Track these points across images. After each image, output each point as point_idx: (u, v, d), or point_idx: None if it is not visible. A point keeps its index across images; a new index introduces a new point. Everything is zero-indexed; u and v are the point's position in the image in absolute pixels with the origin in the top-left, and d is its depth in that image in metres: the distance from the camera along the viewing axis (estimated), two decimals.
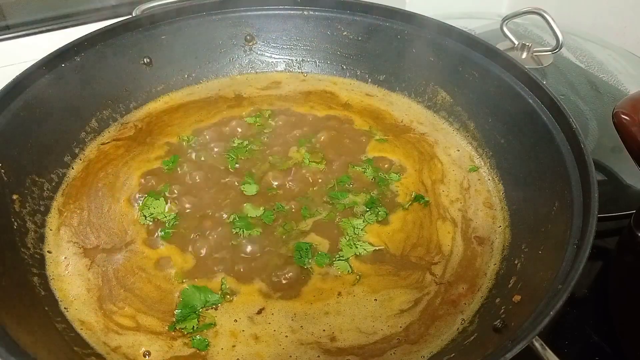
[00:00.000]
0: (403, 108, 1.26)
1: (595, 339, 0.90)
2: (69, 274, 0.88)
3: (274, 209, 0.98)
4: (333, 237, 0.94)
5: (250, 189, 1.01)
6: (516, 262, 0.88)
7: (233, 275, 0.88)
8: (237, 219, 0.96)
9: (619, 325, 0.91)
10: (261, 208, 0.98)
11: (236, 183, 1.03)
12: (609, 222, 1.05)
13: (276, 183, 1.04)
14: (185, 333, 0.80)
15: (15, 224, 0.89)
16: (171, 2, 1.26)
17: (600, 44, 1.53)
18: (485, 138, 1.12)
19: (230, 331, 0.81)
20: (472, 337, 0.79)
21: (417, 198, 1.02)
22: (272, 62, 1.36)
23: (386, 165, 1.09)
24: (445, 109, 1.21)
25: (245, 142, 1.13)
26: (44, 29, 1.44)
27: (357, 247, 0.92)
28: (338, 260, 0.90)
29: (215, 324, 0.81)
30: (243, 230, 0.94)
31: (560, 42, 1.27)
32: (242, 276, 0.88)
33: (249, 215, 0.97)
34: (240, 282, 0.87)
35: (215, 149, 1.11)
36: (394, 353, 0.79)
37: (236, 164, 1.08)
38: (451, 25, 1.16)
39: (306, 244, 0.92)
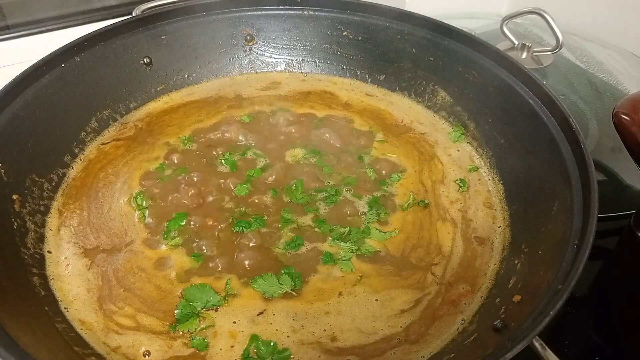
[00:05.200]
0: (403, 108, 1.26)
1: (595, 339, 0.90)
2: (69, 274, 0.88)
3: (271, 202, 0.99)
4: (337, 235, 0.94)
5: (242, 190, 1.01)
6: (516, 262, 0.88)
7: (237, 275, 0.88)
8: (238, 217, 0.96)
9: (619, 325, 0.91)
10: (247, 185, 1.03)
11: (233, 185, 1.03)
12: (609, 222, 1.05)
13: (273, 177, 1.04)
14: (186, 334, 0.80)
15: (15, 224, 0.89)
16: (171, 2, 1.26)
17: (600, 44, 1.53)
18: (485, 138, 1.12)
19: (229, 332, 0.81)
20: (472, 337, 0.79)
21: (418, 202, 1.01)
22: (272, 62, 1.36)
23: (386, 166, 1.09)
24: (445, 109, 1.21)
25: (245, 141, 1.13)
26: (44, 29, 1.44)
27: (359, 248, 0.92)
28: (341, 260, 0.90)
29: (214, 325, 0.81)
30: (243, 229, 0.94)
31: (560, 42, 1.27)
32: (244, 275, 0.88)
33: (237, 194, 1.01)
34: (243, 284, 0.87)
35: (214, 149, 1.12)
36: (394, 353, 0.79)
37: (235, 165, 1.08)
38: (451, 25, 1.16)
39: (300, 237, 0.93)
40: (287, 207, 0.99)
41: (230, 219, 0.96)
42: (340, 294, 0.86)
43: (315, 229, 0.95)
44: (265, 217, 0.97)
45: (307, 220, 0.97)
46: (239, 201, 1.00)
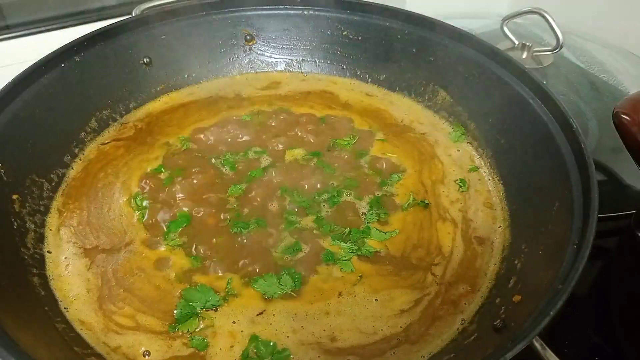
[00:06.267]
0: (403, 108, 1.26)
1: (595, 339, 0.90)
2: (68, 274, 0.88)
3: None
4: (337, 236, 0.94)
5: (236, 190, 1.01)
6: (516, 262, 0.88)
7: (238, 275, 0.88)
8: (237, 219, 0.96)
9: (619, 325, 0.91)
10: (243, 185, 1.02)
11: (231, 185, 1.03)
12: (609, 222, 1.05)
13: (274, 178, 1.04)
14: (186, 334, 0.80)
15: (15, 224, 0.89)
16: (171, 2, 1.26)
17: (600, 44, 1.53)
18: (485, 138, 1.12)
19: (229, 332, 0.81)
20: (472, 337, 0.79)
21: (418, 202, 1.01)
22: (272, 62, 1.36)
23: (386, 166, 1.09)
24: (445, 109, 1.21)
25: (245, 141, 1.13)
26: (43, 29, 1.45)
27: (359, 248, 0.92)
28: (342, 260, 0.90)
29: (213, 325, 0.81)
30: (241, 230, 0.94)
31: (560, 42, 1.27)
32: (245, 275, 0.88)
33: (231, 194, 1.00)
34: (244, 284, 0.86)
35: (214, 149, 1.11)
36: (394, 353, 0.79)
37: (235, 165, 1.08)
38: (451, 25, 1.16)
39: (298, 243, 0.92)
40: (289, 208, 0.99)
41: (228, 220, 0.96)
42: (340, 294, 0.86)
43: (315, 231, 0.95)
44: (266, 218, 0.97)
45: (309, 221, 0.97)
46: (240, 202, 1.00)
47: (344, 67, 1.34)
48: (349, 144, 1.13)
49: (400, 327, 0.82)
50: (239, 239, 0.93)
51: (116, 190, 1.02)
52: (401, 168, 1.09)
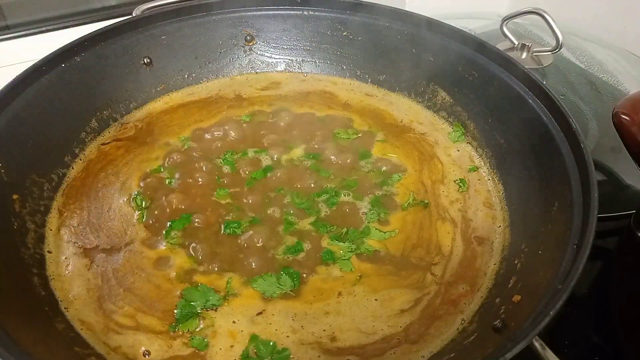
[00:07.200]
0: (403, 108, 1.26)
1: (595, 339, 0.90)
2: (69, 274, 0.88)
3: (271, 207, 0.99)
4: (335, 236, 0.94)
5: (222, 195, 1.01)
6: (516, 262, 0.88)
7: (238, 275, 0.88)
8: (234, 219, 0.96)
9: (619, 325, 0.91)
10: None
11: (231, 186, 1.03)
12: (609, 222, 1.05)
13: (274, 178, 1.04)
14: (186, 334, 0.80)
15: (15, 224, 0.89)
16: (171, 2, 1.25)
17: (600, 44, 1.53)
18: (485, 138, 1.12)
19: (229, 332, 0.81)
20: (472, 337, 0.79)
21: (418, 202, 1.01)
22: (272, 62, 1.36)
23: (387, 166, 1.09)
24: (445, 109, 1.21)
25: (245, 141, 1.13)
26: (44, 29, 1.45)
27: (359, 247, 0.92)
28: (341, 259, 0.90)
29: (213, 325, 0.81)
30: (234, 230, 0.94)
31: (560, 42, 1.27)
32: (245, 274, 0.88)
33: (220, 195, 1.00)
34: (243, 283, 0.87)
35: (214, 149, 1.12)
36: (394, 353, 0.79)
37: (235, 165, 1.08)
38: (451, 26, 1.16)
39: (300, 243, 0.93)
40: (288, 209, 0.99)
41: (226, 221, 0.96)
42: (339, 294, 0.86)
43: (313, 233, 0.95)
44: (265, 218, 0.97)
45: (308, 222, 0.97)
46: (240, 202, 1.00)
47: (344, 67, 1.34)
48: (349, 137, 1.14)
49: (400, 326, 0.82)
50: (239, 239, 0.93)
51: (116, 190, 1.02)
52: (401, 168, 1.09)
